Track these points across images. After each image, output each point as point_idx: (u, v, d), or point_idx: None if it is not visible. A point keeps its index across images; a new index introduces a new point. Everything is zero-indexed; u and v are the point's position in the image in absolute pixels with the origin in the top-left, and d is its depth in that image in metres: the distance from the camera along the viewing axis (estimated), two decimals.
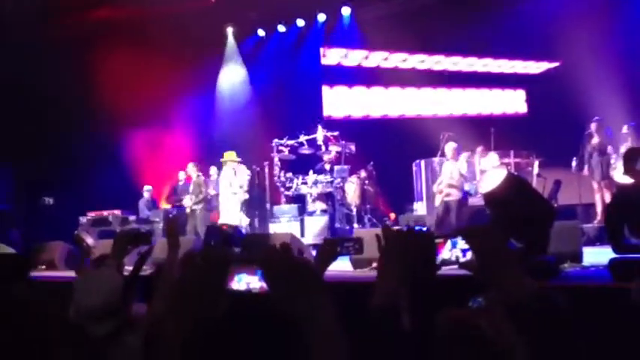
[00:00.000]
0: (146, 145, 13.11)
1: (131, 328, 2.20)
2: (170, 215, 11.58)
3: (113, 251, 2.84)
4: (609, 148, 8.79)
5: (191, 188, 10.89)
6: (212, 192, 11.10)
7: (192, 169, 10.94)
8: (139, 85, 12.44)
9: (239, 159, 10.77)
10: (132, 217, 10.90)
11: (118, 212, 10.78)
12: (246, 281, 1.75)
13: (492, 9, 12.24)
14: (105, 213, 10.77)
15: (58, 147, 12.29)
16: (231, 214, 10.30)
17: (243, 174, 10.70)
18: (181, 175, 11.92)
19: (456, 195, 9.00)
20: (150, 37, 12.38)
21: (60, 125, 12.25)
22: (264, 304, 1.51)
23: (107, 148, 12.83)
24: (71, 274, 7.04)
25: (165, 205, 12.71)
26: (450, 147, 9.32)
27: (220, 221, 10.24)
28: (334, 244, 2.21)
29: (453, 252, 1.82)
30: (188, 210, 10.77)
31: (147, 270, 3.38)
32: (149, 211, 11.95)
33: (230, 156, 10.67)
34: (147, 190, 12.30)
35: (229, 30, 14.85)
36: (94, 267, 2.78)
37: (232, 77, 15.28)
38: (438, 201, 9.21)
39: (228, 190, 10.45)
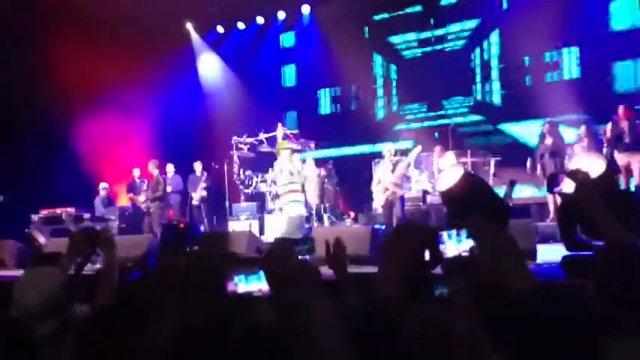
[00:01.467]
0: (102, 140, 12.79)
1: (73, 327, 2.12)
2: (126, 213, 11.37)
3: (68, 251, 2.76)
4: (562, 148, 9.03)
5: (150, 185, 10.68)
6: (169, 189, 10.93)
7: (153, 166, 10.70)
8: (96, 76, 12.14)
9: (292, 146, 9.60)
10: (86, 215, 10.61)
11: (71, 210, 10.47)
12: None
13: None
14: (58, 211, 10.44)
15: (7, 140, 11.84)
16: (301, 205, 8.95)
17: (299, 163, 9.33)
18: (136, 172, 11.68)
19: (399, 192, 9.02)
20: (106, 28, 12.09)
21: (9, 117, 11.81)
22: (265, 308, 1.49)
23: (61, 142, 12.45)
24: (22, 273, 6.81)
25: (122, 203, 12.45)
26: (386, 148, 9.31)
27: (287, 211, 8.90)
28: (288, 245, 2.18)
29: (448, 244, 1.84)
30: (144, 207, 10.56)
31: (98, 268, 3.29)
32: (105, 208, 11.67)
33: (286, 144, 9.41)
34: (103, 188, 11.99)
35: (189, 25, 14.64)
36: (39, 265, 2.69)
37: (205, 70, 15.05)
38: (382, 200, 9.05)
39: (289, 181, 8.91)
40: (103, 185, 12.02)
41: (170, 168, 11.50)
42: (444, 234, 1.81)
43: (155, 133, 13.51)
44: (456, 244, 1.75)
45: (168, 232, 7.41)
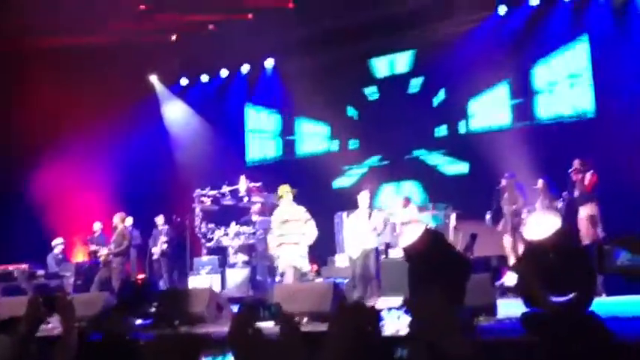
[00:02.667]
0: (58, 192, 12.52)
1: None
2: (82, 268, 11.05)
3: (25, 315, 2.68)
4: (520, 203, 9.25)
5: (114, 239, 10.35)
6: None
7: (118, 219, 10.41)
8: (54, 128, 11.98)
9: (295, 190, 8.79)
10: (40, 272, 10.26)
11: (25, 266, 10.12)
12: None
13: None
14: (10, 267, 10.08)
15: None
16: (299, 258, 8.30)
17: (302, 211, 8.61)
18: (96, 226, 11.41)
19: (375, 244, 8.94)
20: (69, 78, 12.03)
21: None
22: None
23: (15, 193, 12.13)
24: None
25: (78, 257, 12.10)
26: (364, 196, 8.98)
27: (283, 265, 8.35)
28: (253, 311, 2.17)
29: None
30: (102, 258, 10.17)
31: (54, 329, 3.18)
32: (58, 266, 11.27)
33: (286, 189, 8.67)
34: (57, 244, 11.59)
35: (153, 77, 14.67)
36: None
37: (171, 118, 14.94)
38: (357, 251, 8.72)
39: (280, 232, 8.37)
40: (56, 241, 11.64)
41: (128, 221, 11.29)
42: (384, 311, 1.89)
43: (115, 184, 13.29)
44: (395, 321, 1.83)
45: (126, 289, 7.22)
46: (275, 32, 12.47)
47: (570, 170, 8.92)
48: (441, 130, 12.66)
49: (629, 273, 3.93)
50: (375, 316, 1.90)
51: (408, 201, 10.38)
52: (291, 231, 8.30)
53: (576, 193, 8.81)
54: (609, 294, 6.85)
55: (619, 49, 10.29)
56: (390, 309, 1.89)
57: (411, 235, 4.86)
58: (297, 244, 8.28)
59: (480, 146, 11.39)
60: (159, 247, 11.35)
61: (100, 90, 12.60)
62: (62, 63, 11.93)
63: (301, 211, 8.45)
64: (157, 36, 12.54)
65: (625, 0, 10.51)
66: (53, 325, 5.00)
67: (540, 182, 9.20)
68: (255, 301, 7.56)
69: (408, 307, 1.86)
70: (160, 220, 11.58)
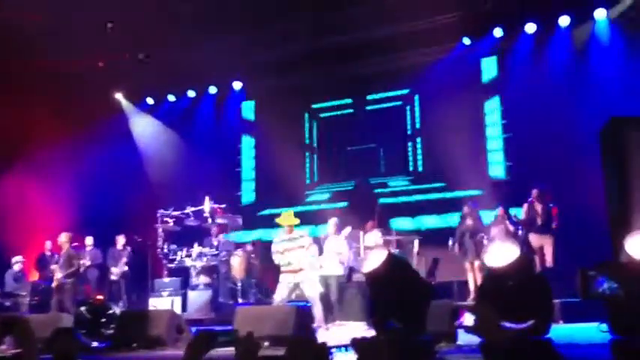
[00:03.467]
0: (19, 209, 12.19)
1: None
2: (39, 288, 10.72)
3: None
4: (481, 231, 9.41)
5: (61, 260, 9.97)
6: (87, 263, 10.31)
7: (64, 239, 10.06)
8: (16, 144, 11.72)
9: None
10: None
11: None
12: None
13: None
14: None
15: None
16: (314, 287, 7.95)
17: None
18: (47, 245, 11.10)
19: (335, 270, 8.98)
20: (34, 93, 11.80)
21: None
22: None
23: None
24: None
25: (34, 277, 11.73)
26: (331, 222, 9.34)
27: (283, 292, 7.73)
28: (209, 337, 2.16)
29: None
30: (55, 283, 9.81)
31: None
32: (16, 283, 10.92)
33: (290, 216, 8.09)
34: (17, 262, 11.22)
35: (119, 95, 14.47)
36: None
37: (138, 133, 14.72)
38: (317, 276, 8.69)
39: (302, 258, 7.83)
40: (16, 259, 11.27)
41: (89, 241, 11.05)
42: (334, 349, 1.95)
43: (78, 202, 12.98)
44: (345, 357, 1.90)
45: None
46: (243, 54, 12.52)
47: (530, 199, 9.15)
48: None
49: (610, 300, 4.05)
50: (325, 351, 1.94)
51: (372, 226, 10.44)
52: (295, 259, 7.76)
53: (538, 222, 9.01)
54: (566, 321, 6.99)
55: (580, 83, 10.60)
56: (339, 347, 1.95)
57: (374, 261, 4.90)
58: (301, 271, 7.76)
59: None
60: (119, 268, 11.10)
61: (64, 106, 12.39)
62: (22, 78, 11.73)
63: (303, 236, 8.05)
64: (124, 54, 12.40)
65: (585, 40, 10.89)
66: (6, 347, 4.86)
67: (500, 210, 9.42)
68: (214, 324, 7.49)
69: (354, 346, 1.90)
70: (120, 239, 11.34)
